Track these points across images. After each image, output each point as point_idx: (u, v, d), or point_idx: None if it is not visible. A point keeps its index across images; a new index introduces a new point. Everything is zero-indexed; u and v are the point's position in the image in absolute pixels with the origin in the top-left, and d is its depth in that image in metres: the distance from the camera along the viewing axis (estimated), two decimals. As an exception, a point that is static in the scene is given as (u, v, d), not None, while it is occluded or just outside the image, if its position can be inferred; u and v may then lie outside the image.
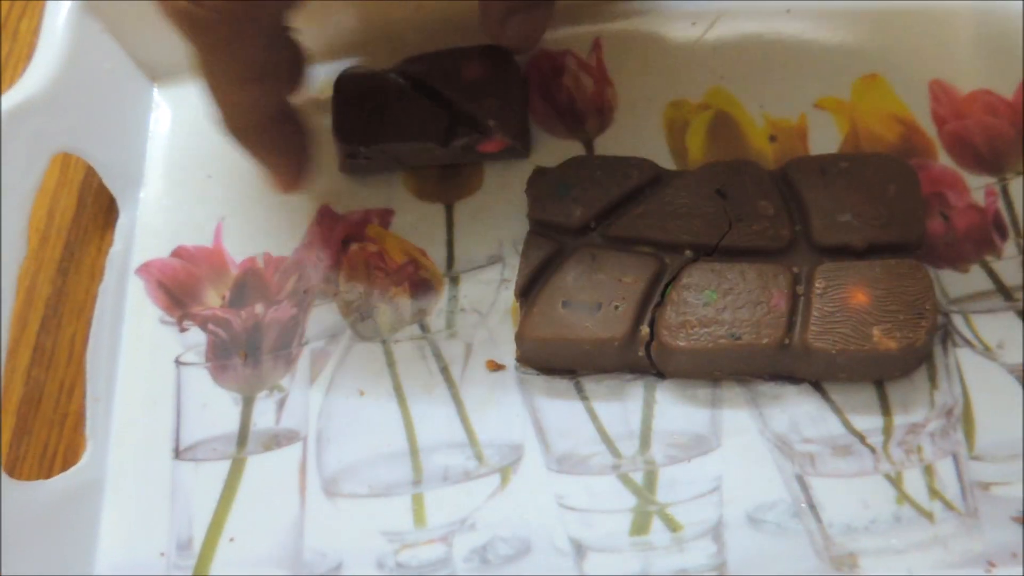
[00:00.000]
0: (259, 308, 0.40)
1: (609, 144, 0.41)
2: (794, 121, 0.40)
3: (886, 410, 0.34)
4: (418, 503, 0.35)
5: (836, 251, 0.35)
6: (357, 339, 0.39)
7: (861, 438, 0.34)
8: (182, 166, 0.44)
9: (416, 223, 0.41)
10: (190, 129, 0.44)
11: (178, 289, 0.41)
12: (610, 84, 0.42)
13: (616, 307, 0.35)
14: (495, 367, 0.37)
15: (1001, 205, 0.37)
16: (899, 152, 0.38)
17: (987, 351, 0.35)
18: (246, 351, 0.39)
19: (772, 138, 0.40)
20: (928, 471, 0.33)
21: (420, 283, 0.39)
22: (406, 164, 0.41)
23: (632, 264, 0.35)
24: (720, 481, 0.34)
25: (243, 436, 0.37)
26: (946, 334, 0.35)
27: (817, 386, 0.35)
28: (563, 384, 0.36)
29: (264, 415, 0.38)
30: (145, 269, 0.41)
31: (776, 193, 0.36)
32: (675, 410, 0.35)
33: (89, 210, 0.44)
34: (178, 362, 0.39)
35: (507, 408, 0.36)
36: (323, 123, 0.41)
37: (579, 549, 0.34)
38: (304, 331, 0.39)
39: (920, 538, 0.33)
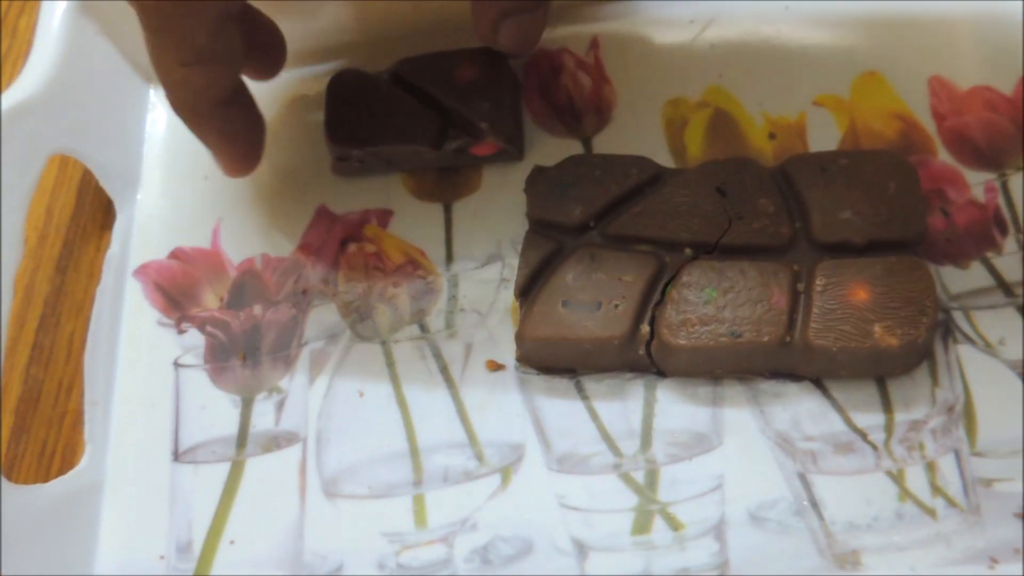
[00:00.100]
0: (257, 309, 0.39)
1: (608, 143, 0.41)
2: (793, 119, 0.40)
3: (887, 407, 0.34)
4: (419, 504, 0.35)
5: (836, 248, 0.35)
6: (356, 340, 0.38)
7: (863, 435, 0.34)
8: (179, 167, 0.43)
9: (415, 223, 0.40)
10: (186, 130, 0.44)
11: (176, 291, 0.41)
12: (608, 83, 0.42)
13: (616, 306, 0.35)
14: (495, 367, 0.37)
15: (1001, 201, 0.37)
16: (899, 149, 0.38)
17: (988, 347, 0.35)
18: (245, 352, 0.39)
19: (771, 136, 0.40)
20: (930, 468, 0.33)
21: (419, 283, 0.39)
22: (398, 167, 0.41)
23: (632, 263, 0.35)
24: (722, 479, 0.34)
25: (242, 438, 0.37)
26: (947, 331, 0.35)
27: (818, 384, 0.35)
28: (563, 383, 0.36)
29: (263, 417, 0.38)
30: (143, 271, 0.41)
31: (776, 191, 0.36)
32: (676, 409, 0.35)
33: (88, 208, 0.44)
34: (176, 364, 0.39)
35: (507, 408, 0.36)
36: (316, 124, 0.41)
37: (581, 549, 0.34)
38: (303, 332, 0.39)
39: (922, 535, 0.32)
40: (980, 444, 0.33)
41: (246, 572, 0.35)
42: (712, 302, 0.34)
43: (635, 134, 0.41)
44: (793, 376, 0.35)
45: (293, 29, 0.41)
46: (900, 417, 0.34)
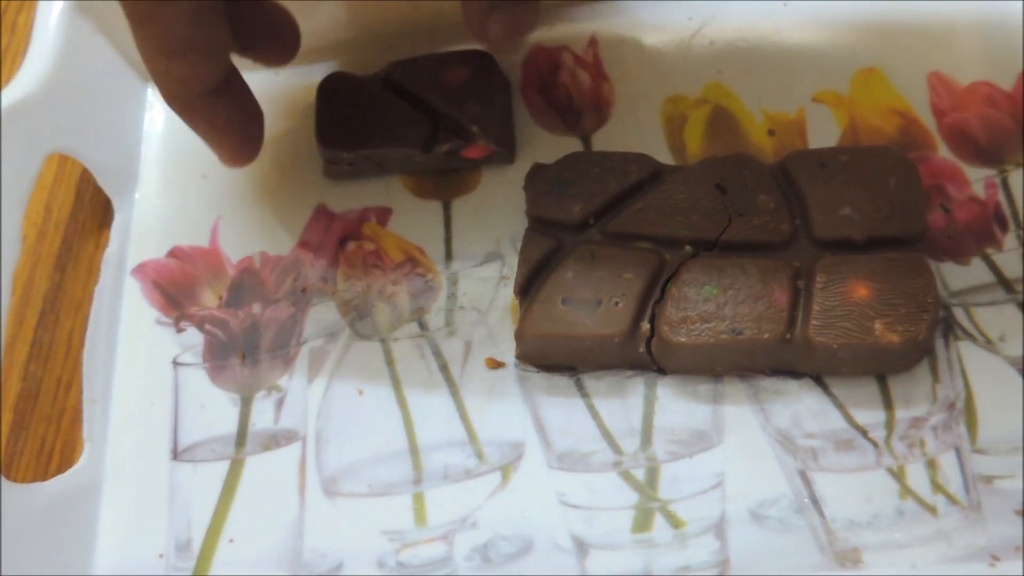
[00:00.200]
0: (256, 308, 0.39)
1: (607, 140, 0.41)
2: (793, 115, 0.40)
3: (888, 404, 0.34)
4: (418, 502, 0.35)
5: (837, 245, 0.35)
6: (356, 338, 0.38)
7: (863, 433, 0.34)
8: (177, 166, 0.43)
9: (414, 221, 0.40)
10: (185, 129, 0.43)
11: (174, 289, 0.41)
12: (607, 80, 0.42)
13: (616, 303, 0.34)
14: (495, 365, 0.37)
15: (1001, 197, 0.37)
16: (899, 145, 0.38)
17: (989, 344, 0.35)
18: (244, 351, 0.38)
19: (771, 132, 0.40)
20: (931, 465, 0.33)
21: (418, 281, 0.39)
22: (389, 170, 0.41)
23: (632, 260, 0.35)
24: (722, 477, 0.34)
25: (241, 436, 0.37)
26: (947, 327, 0.35)
27: (819, 381, 0.35)
28: (563, 381, 0.36)
29: (263, 415, 0.37)
30: (141, 270, 0.41)
31: (776, 187, 0.36)
32: (676, 406, 0.35)
33: (87, 205, 0.44)
34: (175, 363, 0.39)
35: (507, 406, 0.36)
36: (307, 126, 0.41)
37: (581, 547, 0.34)
38: (302, 330, 0.39)
39: (923, 532, 0.32)
40: (981, 441, 0.33)
41: (245, 571, 0.35)
42: (712, 299, 0.34)
43: (634, 131, 0.41)
44: (794, 373, 0.35)
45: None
46: (901, 414, 0.34)
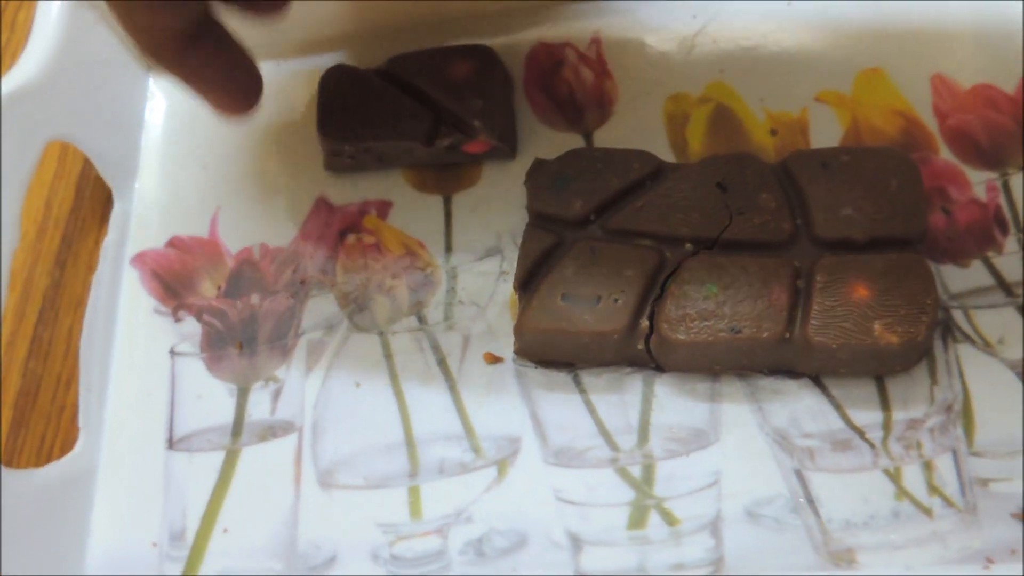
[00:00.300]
0: (255, 299, 0.39)
1: (609, 137, 0.41)
2: (795, 115, 0.40)
3: (886, 405, 0.34)
4: (414, 495, 0.35)
5: (837, 245, 0.35)
6: (354, 330, 0.38)
7: (860, 433, 0.34)
8: (177, 156, 0.43)
9: (414, 215, 0.40)
10: (185, 119, 0.44)
11: (173, 279, 0.40)
12: (610, 77, 0.42)
13: (616, 300, 0.34)
14: (493, 360, 0.37)
15: (1002, 200, 0.37)
16: (901, 146, 0.38)
17: (987, 347, 0.35)
18: (242, 342, 0.38)
19: (773, 132, 0.40)
20: (927, 467, 0.33)
21: (418, 275, 0.39)
22: (390, 163, 0.41)
23: (632, 257, 0.35)
24: (719, 475, 0.34)
25: (238, 427, 0.37)
26: (946, 329, 0.35)
27: (817, 381, 0.35)
28: (561, 377, 0.36)
29: (259, 406, 0.37)
30: (140, 259, 0.41)
31: (777, 187, 0.36)
32: (674, 404, 0.35)
33: (87, 202, 0.43)
34: (173, 352, 0.39)
35: (505, 401, 0.36)
36: (309, 119, 0.41)
37: (576, 542, 0.34)
38: (300, 322, 0.39)
39: (919, 534, 0.32)
40: (978, 444, 0.33)
41: (240, 560, 0.35)
42: (712, 298, 0.34)
43: (636, 129, 0.40)
44: (792, 373, 0.35)
45: (291, 19, 0.40)
46: (898, 415, 0.34)
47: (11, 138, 0.36)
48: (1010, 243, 0.36)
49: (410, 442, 0.36)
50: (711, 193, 0.36)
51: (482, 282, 0.39)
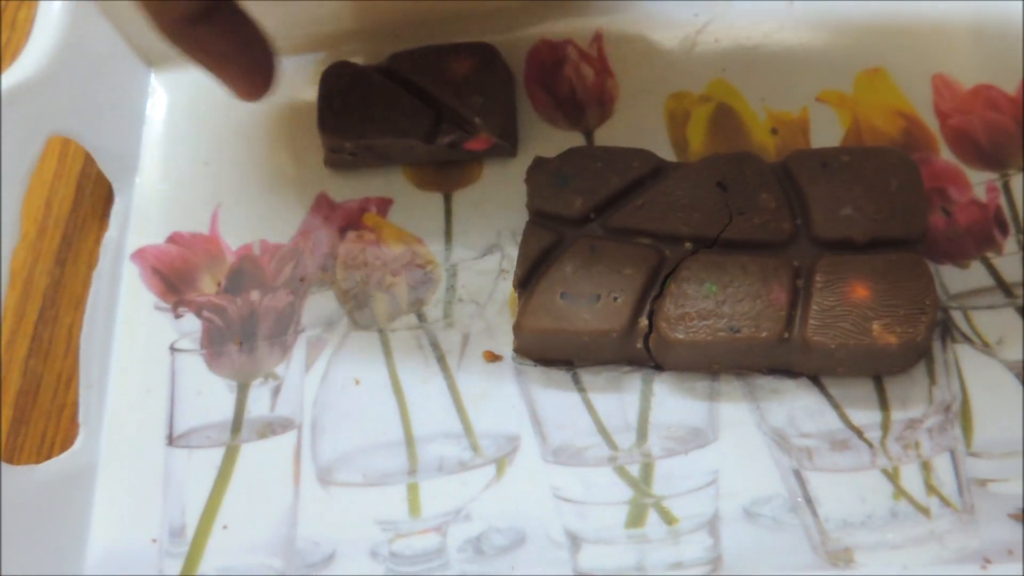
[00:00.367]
0: (255, 295, 0.39)
1: (609, 135, 0.41)
2: (796, 114, 0.40)
3: (884, 405, 0.34)
4: (413, 493, 0.35)
5: (837, 245, 0.35)
6: (353, 328, 0.38)
7: (859, 433, 0.34)
8: (178, 152, 0.43)
9: (414, 212, 0.40)
10: (187, 115, 0.44)
11: (173, 275, 0.40)
12: (611, 75, 0.42)
13: (615, 299, 0.34)
14: (492, 358, 0.37)
15: (1002, 201, 0.37)
16: (901, 147, 0.38)
17: (986, 347, 0.35)
18: (241, 338, 0.38)
19: (773, 131, 0.40)
20: (925, 467, 0.33)
21: (418, 272, 0.39)
22: (391, 160, 0.41)
23: (632, 256, 0.35)
24: (717, 474, 0.34)
25: (237, 423, 0.37)
26: (945, 330, 0.35)
27: (815, 380, 0.35)
28: (560, 375, 0.36)
29: (259, 403, 0.37)
30: (140, 255, 0.41)
31: (777, 186, 0.36)
32: (673, 403, 0.35)
33: (87, 201, 0.43)
34: (173, 349, 0.39)
35: (503, 399, 0.36)
36: (310, 115, 0.41)
37: (574, 541, 0.34)
38: (300, 319, 0.39)
39: (916, 534, 0.32)
40: (976, 444, 0.33)
41: (239, 557, 0.35)
42: (711, 297, 0.34)
43: (637, 127, 0.40)
44: (790, 372, 0.35)
45: (292, 16, 0.41)
46: (897, 415, 0.34)
47: (12, 133, 0.36)
48: (1010, 244, 0.36)
49: (409, 440, 0.36)
50: (711, 192, 0.36)
51: (482, 280, 0.39)
